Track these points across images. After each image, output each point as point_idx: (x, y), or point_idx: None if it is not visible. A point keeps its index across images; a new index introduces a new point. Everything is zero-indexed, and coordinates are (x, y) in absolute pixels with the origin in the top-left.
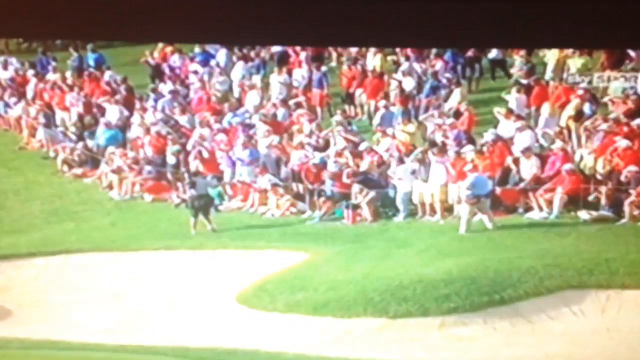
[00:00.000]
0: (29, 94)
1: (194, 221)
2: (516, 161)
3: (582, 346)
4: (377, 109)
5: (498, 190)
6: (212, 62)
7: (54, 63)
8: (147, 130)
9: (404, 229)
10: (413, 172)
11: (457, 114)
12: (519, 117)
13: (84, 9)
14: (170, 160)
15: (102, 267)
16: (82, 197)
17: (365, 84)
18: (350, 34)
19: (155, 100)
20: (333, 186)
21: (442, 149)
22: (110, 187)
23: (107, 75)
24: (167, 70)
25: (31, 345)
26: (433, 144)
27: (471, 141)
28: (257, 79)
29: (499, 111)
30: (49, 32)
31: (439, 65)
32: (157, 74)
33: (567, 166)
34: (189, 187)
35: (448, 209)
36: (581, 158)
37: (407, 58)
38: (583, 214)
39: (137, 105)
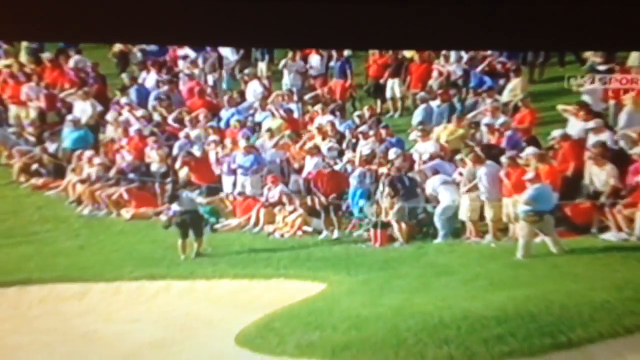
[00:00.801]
0: None
1: (182, 243)
2: (589, 169)
3: None
4: (415, 103)
5: (565, 205)
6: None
7: (4, 46)
8: (126, 131)
9: (445, 252)
10: (455, 183)
11: (515, 110)
12: (594, 114)
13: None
14: (156, 167)
15: (69, 302)
16: (43, 214)
17: (401, 72)
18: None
19: (136, 93)
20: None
21: (492, 154)
22: (78, 201)
23: (74, 60)
24: (139, 56)
25: None
26: (484, 147)
27: (533, 144)
28: (262, 67)
29: (565, 109)
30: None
31: None
32: (124, 62)
33: None
34: (167, 201)
35: (502, 229)
36: None
37: None
38: None
39: (113, 98)
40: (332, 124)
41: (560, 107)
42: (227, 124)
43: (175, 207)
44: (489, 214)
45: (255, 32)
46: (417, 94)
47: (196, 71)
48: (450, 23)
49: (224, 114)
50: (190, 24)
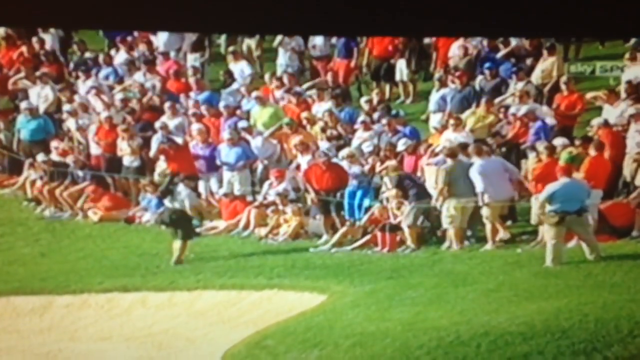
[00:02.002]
0: None
1: (182, 245)
2: (629, 163)
3: None
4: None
5: (602, 204)
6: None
7: None
8: (91, 118)
9: (462, 260)
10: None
11: (552, 95)
12: (635, 98)
13: None
14: (128, 161)
15: (29, 317)
16: None
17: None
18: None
19: (106, 75)
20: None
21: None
22: (37, 201)
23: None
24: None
25: None
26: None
27: (566, 134)
28: (250, 43)
29: (594, 96)
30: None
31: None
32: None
33: None
34: (160, 195)
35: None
36: None
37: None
38: None
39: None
40: (331, 114)
41: (589, 95)
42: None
43: (165, 204)
44: (485, 213)
45: (244, 16)
46: (436, 76)
47: (172, 52)
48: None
49: (201, 97)
50: (171, 7)
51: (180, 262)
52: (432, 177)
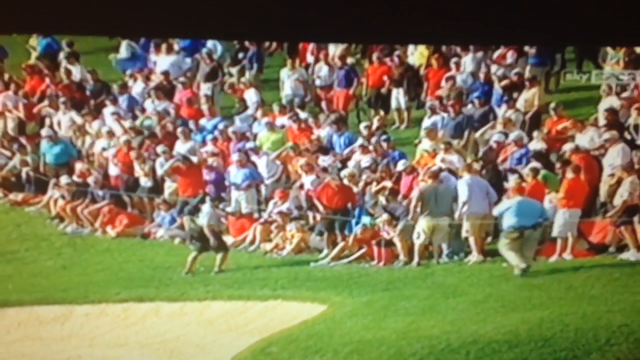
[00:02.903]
0: None
1: (194, 257)
2: (606, 183)
3: None
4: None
5: (580, 223)
6: (202, 53)
7: None
8: (112, 143)
9: (452, 273)
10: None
11: (533, 122)
12: (609, 125)
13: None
14: (143, 181)
15: (50, 325)
16: (22, 232)
17: (405, 80)
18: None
19: (126, 102)
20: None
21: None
22: (60, 218)
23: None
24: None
25: None
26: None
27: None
28: (251, 75)
29: (564, 126)
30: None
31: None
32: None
33: None
34: (188, 213)
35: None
36: None
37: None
38: None
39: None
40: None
41: (559, 126)
42: (219, 134)
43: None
44: (465, 227)
45: (247, 24)
46: (427, 104)
47: (182, 79)
48: (457, 16)
49: (208, 123)
50: (179, 15)
51: (221, 271)
52: None
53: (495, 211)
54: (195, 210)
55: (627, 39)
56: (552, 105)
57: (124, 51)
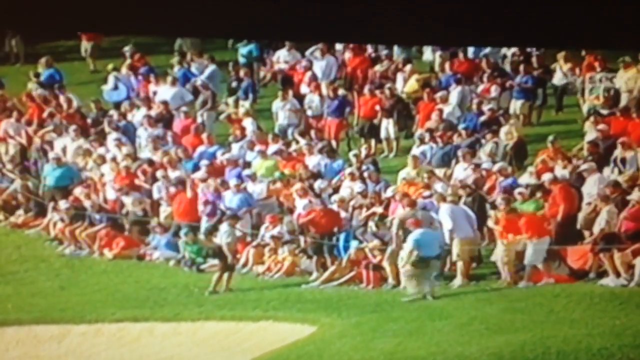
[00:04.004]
0: None
1: (219, 276)
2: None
3: None
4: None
5: (561, 249)
6: (197, 82)
7: None
8: (109, 167)
9: (440, 296)
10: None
11: (515, 153)
12: (591, 158)
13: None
14: (135, 206)
15: (48, 344)
16: (22, 253)
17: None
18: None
19: (124, 130)
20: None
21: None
22: (59, 240)
23: (63, 97)
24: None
25: None
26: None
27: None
28: (246, 105)
29: (543, 159)
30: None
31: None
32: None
33: None
34: (205, 233)
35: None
36: None
37: (458, 81)
38: None
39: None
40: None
41: (538, 159)
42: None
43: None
44: (455, 251)
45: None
46: (417, 134)
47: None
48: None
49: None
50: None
51: (230, 290)
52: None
53: (408, 247)
54: (214, 230)
55: (622, 44)
56: (550, 138)
57: (110, 83)
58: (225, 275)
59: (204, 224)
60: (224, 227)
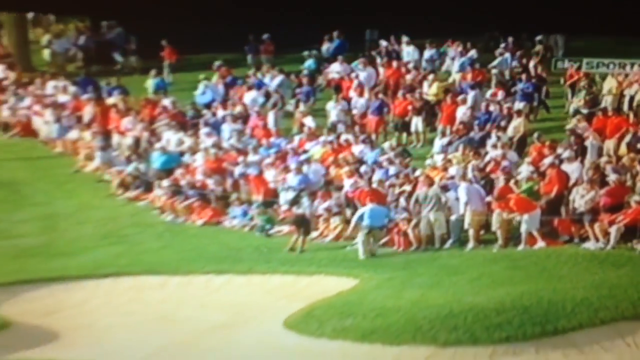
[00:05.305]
0: (86, 117)
1: (297, 239)
2: (576, 191)
3: None
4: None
5: (552, 220)
6: (269, 88)
7: (116, 91)
8: (202, 154)
9: (454, 256)
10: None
11: (520, 144)
12: (569, 146)
13: None
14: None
15: (151, 290)
16: (134, 220)
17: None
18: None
19: (213, 125)
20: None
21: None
22: (162, 210)
23: (169, 100)
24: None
25: None
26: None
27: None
28: (306, 106)
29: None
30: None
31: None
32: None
33: (636, 197)
34: (289, 205)
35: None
36: None
37: (472, 87)
38: None
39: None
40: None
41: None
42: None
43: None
44: (467, 221)
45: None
46: (439, 129)
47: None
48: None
49: (278, 142)
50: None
51: (302, 251)
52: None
53: (355, 217)
54: (295, 202)
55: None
56: (535, 135)
57: (200, 89)
58: (302, 238)
59: (286, 197)
60: (305, 200)
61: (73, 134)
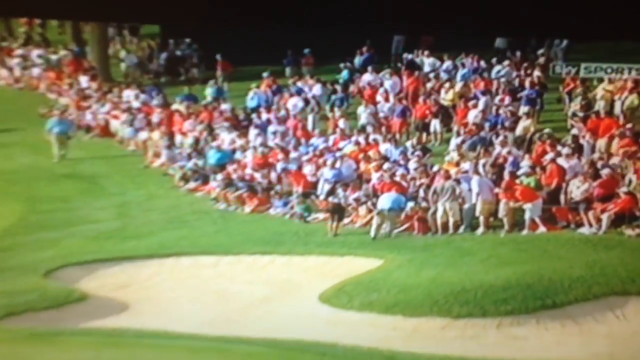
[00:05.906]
0: (154, 121)
1: (332, 224)
2: (573, 183)
3: (623, 347)
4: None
5: (551, 208)
6: (308, 95)
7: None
8: (251, 151)
9: (467, 240)
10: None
11: (530, 144)
12: (568, 146)
13: None
14: (263, 179)
15: (207, 268)
16: (193, 208)
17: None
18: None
19: (261, 127)
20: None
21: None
22: (216, 199)
23: (225, 106)
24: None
25: (144, 335)
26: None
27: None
28: (340, 110)
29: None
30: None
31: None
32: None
33: (624, 189)
34: (325, 195)
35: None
36: (630, 182)
37: (483, 93)
38: (628, 231)
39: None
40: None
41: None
42: (315, 149)
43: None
44: (478, 209)
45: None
46: (455, 129)
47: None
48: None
49: (316, 141)
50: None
51: (336, 235)
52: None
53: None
54: (331, 193)
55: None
56: (537, 134)
57: (250, 95)
58: (335, 224)
59: (324, 188)
60: (340, 191)
61: (143, 135)
